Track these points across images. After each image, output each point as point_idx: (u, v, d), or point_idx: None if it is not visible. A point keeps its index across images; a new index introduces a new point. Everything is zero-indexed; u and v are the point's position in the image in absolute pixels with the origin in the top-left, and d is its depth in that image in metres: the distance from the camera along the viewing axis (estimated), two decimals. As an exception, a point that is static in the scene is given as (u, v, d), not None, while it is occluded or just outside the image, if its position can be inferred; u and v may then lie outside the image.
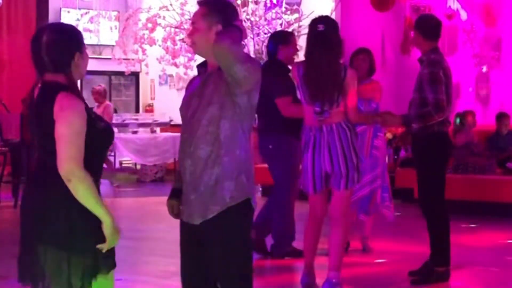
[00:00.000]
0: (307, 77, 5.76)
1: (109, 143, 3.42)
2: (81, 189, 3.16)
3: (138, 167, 14.93)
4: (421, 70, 6.22)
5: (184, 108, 3.75)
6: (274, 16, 13.03)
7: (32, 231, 3.28)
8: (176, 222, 3.79)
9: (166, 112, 15.50)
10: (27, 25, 14.63)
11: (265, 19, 12.98)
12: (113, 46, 15.15)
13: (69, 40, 3.33)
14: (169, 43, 13.44)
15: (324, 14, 6.22)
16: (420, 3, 12.42)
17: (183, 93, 3.94)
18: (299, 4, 13.55)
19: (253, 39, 12.91)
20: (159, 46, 13.48)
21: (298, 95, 6.09)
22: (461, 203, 9.67)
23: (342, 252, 5.94)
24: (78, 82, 3.69)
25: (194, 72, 5.07)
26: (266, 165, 7.62)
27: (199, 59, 3.83)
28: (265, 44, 11.92)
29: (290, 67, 7.08)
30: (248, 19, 12.59)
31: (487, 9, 12.12)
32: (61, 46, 3.30)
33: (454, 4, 12.07)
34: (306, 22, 12.60)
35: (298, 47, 7.52)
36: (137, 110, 17.06)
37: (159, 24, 13.30)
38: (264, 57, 12.32)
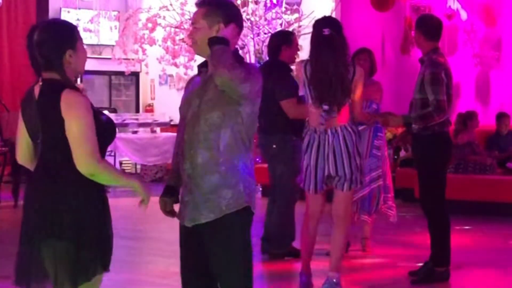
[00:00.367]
0: (314, 80, 5.73)
1: (112, 136, 3.44)
2: (105, 178, 3.28)
3: (138, 167, 14.92)
4: (422, 70, 6.21)
5: (184, 108, 3.73)
6: (274, 16, 13.02)
7: (38, 228, 3.28)
8: (176, 222, 3.78)
9: (166, 112, 15.49)
10: (27, 25, 14.59)
11: (265, 19, 12.97)
12: (113, 46, 15.13)
13: (59, 37, 3.32)
14: (169, 43, 13.43)
15: (326, 14, 6.21)
16: (420, 3, 12.42)
17: (183, 93, 3.93)
18: (299, 4, 13.54)
19: (253, 39, 12.91)
20: (159, 46, 13.47)
21: (302, 92, 6.07)
22: (461, 203, 9.66)
23: (342, 252, 5.95)
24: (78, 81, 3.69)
25: (194, 72, 5.06)
26: (265, 165, 7.62)
27: (199, 59, 3.82)
28: (265, 44, 11.90)
29: (292, 67, 7.09)
30: (248, 19, 12.58)
31: (487, 9, 12.11)
32: (50, 43, 3.30)
33: (454, 4, 12.06)
34: (306, 22, 12.65)
35: (299, 47, 7.52)
36: (137, 110, 17.03)
37: (159, 24, 13.29)
38: (264, 57, 12.31)
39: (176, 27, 13.32)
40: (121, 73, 15.44)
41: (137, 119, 15.51)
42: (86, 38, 14.76)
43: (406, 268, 6.59)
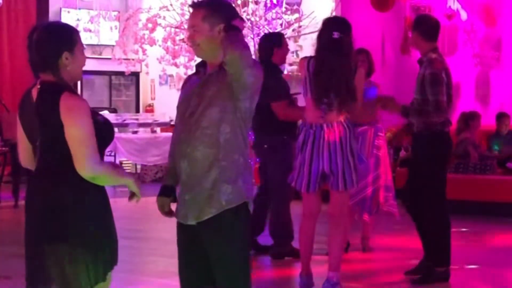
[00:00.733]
0: (318, 78, 5.74)
1: (111, 138, 3.44)
2: (106, 180, 3.30)
3: (138, 167, 14.92)
4: (422, 71, 6.20)
5: (181, 107, 3.72)
6: (274, 16, 13.02)
7: (42, 231, 3.27)
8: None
9: (166, 112, 15.49)
10: (27, 26, 14.60)
11: (265, 19, 12.97)
12: (113, 46, 15.14)
13: (56, 39, 3.31)
14: (169, 43, 13.43)
15: (326, 14, 6.23)
16: (420, 3, 12.41)
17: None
18: (299, 4, 13.54)
19: (253, 39, 12.90)
20: (159, 46, 13.47)
21: (301, 89, 6.08)
22: (461, 203, 9.67)
23: (341, 251, 5.96)
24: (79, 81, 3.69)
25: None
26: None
27: (199, 59, 3.81)
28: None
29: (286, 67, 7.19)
30: (248, 19, 12.57)
31: (487, 9, 12.11)
32: (47, 43, 3.29)
33: (454, 4, 12.06)
34: (306, 22, 12.67)
35: (289, 48, 7.68)
36: (137, 110, 17.04)
37: (159, 24, 13.29)
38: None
39: (176, 27, 13.32)
40: (121, 73, 15.45)
41: (137, 119, 15.51)
42: (86, 38, 14.77)
43: (406, 268, 6.59)
